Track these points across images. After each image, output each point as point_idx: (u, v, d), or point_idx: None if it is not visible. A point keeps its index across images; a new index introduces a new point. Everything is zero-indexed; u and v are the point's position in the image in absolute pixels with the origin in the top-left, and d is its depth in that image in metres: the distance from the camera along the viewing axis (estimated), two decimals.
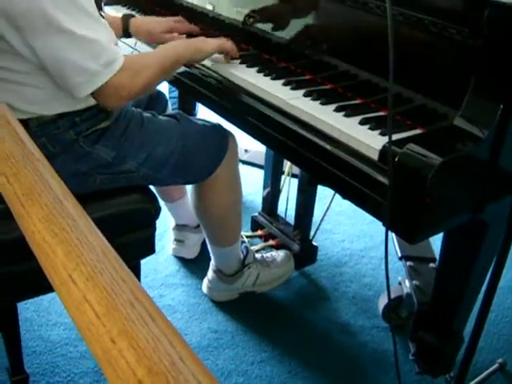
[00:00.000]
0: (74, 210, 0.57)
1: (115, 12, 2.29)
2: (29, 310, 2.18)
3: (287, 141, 1.53)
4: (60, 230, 0.54)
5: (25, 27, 1.44)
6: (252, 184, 3.11)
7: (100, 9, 1.67)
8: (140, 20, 2.15)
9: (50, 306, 2.21)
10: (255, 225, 2.67)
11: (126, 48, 2.22)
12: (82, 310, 0.45)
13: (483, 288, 1.60)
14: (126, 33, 2.11)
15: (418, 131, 1.40)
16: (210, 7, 2.16)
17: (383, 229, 1.26)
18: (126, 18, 2.10)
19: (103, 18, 1.66)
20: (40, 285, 1.65)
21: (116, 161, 1.71)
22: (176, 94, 3.02)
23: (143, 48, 2.17)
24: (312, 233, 2.52)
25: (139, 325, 0.43)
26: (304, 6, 1.77)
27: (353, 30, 1.66)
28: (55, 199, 0.58)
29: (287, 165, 2.64)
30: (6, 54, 1.51)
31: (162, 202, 2.00)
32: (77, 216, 0.56)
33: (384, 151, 1.28)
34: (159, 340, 0.41)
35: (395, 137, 1.30)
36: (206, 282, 2.32)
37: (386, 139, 1.28)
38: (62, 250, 0.51)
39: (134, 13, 2.36)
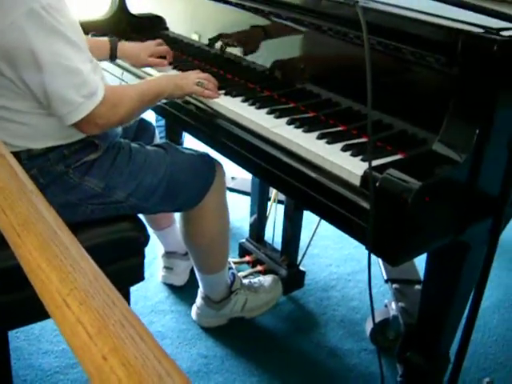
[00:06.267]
0: (67, 238, 0.61)
1: None
2: (19, 338, 2.19)
3: (272, 168, 1.56)
4: (54, 257, 0.57)
5: (15, 61, 1.50)
6: (239, 211, 3.13)
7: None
8: (126, 45, 2.21)
9: (40, 335, 2.22)
10: (243, 251, 2.69)
11: (113, 78, 2.26)
12: (76, 331, 0.48)
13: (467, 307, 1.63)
14: (113, 56, 2.17)
15: (398, 156, 1.43)
16: (195, 37, 2.21)
17: None
18: (113, 42, 2.16)
19: None
20: (31, 313, 1.68)
21: (105, 191, 1.74)
22: (163, 122, 3.05)
23: (129, 78, 2.21)
24: (299, 258, 2.54)
25: (129, 343, 0.46)
26: (286, 37, 1.82)
27: (334, 59, 1.71)
28: (49, 229, 0.61)
29: (273, 191, 2.67)
30: (6, 90, 1.57)
31: (150, 230, 2.02)
32: (70, 244, 0.59)
33: (365, 177, 1.32)
34: (147, 357, 0.44)
35: (376, 162, 1.34)
36: (194, 308, 2.34)
37: (367, 165, 1.31)
38: (57, 276, 0.54)
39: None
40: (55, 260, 0.56)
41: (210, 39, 2.14)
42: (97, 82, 1.61)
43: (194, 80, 1.84)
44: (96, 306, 0.50)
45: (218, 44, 2.09)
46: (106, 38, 2.19)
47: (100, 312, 0.49)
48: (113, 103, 1.65)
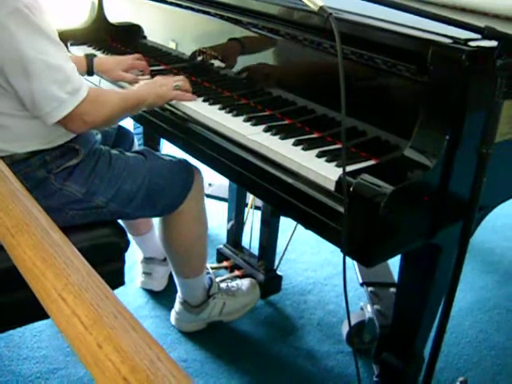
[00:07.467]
0: (59, 238, 0.64)
1: (81, 52, 2.35)
2: None
3: (249, 174, 1.60)
4: (48, 256, 0.60)
5: (3, 66, 1.53)
6: (216, 217, 3.16)
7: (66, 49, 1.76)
8: (102, 59, 2.23)
9: (20, 341, 2.23)
10: (221, 257, 2.72)
11: (91, 86, 2.28)
12: (72, 323, 0.52)
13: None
14: (90, 71, 2.17)
15: (372, 162, 1.48)
16: (172, 45, 2.24)
17: None
18: (89, 58, 2.17)
19: None
20: (11, 319, 1.70)
21: (86, 197, 1.77)
22: (140, 130, 3.07)
23: (107, 85, 2.23)
24: (276, 263, 2.58)
25: (122, 332, 0.49)
26: (262, 46, 1.86)
27: (309, 68, 1.75)
28: (42, 229, 0.64)
29: (250, 197, 2.70)
30: None
31: (129, 236, 2.04)
32: (62, 243, 0.63)
33: (340, 182, 1.36)
34: (139, 344, 0.48)
35: (351, 168, 1.39)
36: (173, 313, 2.36)
37: (341, 170, 1.34)
38: (52, 272, 0.58)
39: (97, 52, 2.44)
40: (49, 258, 0.59)
41: (187, 48, 2.18)
42: (81, 80, 1.65)
43: (172, 84, 1.90)
44: (90, 299, 0.54)
45: (196, 52, 2.12)
46: (81, 55, 2.20)
47: (94, 305, 0.53)
48: (97, 102, 1.69)
